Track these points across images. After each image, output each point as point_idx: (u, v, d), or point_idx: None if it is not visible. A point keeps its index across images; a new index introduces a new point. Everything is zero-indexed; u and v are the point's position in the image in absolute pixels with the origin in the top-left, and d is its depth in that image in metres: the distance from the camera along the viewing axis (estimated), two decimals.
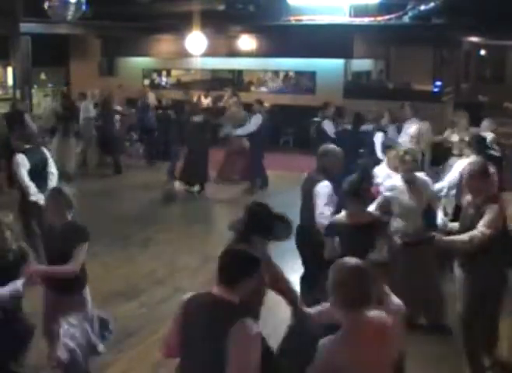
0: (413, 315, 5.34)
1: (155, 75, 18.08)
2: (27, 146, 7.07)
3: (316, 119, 11.63)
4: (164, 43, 16.68)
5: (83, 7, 10.98)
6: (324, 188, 5.22)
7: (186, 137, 11.37)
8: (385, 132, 9.17)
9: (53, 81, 17.58)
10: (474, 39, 16.20)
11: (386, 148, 7.16)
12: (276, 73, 16.71)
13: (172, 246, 8.16)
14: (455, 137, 8.47)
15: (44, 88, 16.57)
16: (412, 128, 9.32)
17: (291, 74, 16.48)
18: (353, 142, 9.18)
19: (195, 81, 17.35)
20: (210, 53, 14.07)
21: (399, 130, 9.54)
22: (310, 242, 5.27)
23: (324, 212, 5.08)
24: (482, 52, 20.70)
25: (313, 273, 5.09)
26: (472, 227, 4.51)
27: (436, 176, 7.50)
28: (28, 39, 12.98)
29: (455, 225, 5.04)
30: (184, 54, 14.38)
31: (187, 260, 7.54)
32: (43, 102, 13.07)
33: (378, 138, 8.91)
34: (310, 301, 3.92)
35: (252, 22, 14.28)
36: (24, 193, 6.92)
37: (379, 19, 13.40)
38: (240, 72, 17.26)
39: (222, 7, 13.63)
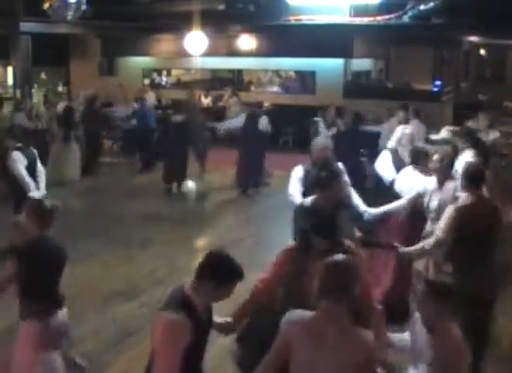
0: None
1: (155, 75, 18.10)
2: (18, 145, 7.30)
3: (316, 119, 11.64)
4: (164, 43, 16.68)
5: (83, 7, 11.00)
6: (295, 172, 5.65)
7: (166, 138, 11.52)
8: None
9: (53, 81, 17.60)
10: (474, 39, 16.19)
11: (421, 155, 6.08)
12: (276, 73, 16.73)
13: (172, 246, 8.14)
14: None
15: (43, 89, 16.52)
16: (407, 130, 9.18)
17: (291, 73, 16.50)
18: (353, 142, 9.15)
19: (195, 80, 17.35)
20: (210, 52, 14.07)
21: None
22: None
23: (291, 193, 5.56)
24: (482, 52, 20.66)
25: None
26: None
27: None
28: (28, 38, 13.00)
29: None
30: (184, 54, 14.37)
31: (187, 260, 7.52)
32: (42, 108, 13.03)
33: (386, 157, 7.05)
34: None
35: (252, 21, 14.31)
36: (17, 187, 7.06)
37: (379, 18, 13.42)
38: (239, 72, 17.27)
39: (222, 7, 13.66)
